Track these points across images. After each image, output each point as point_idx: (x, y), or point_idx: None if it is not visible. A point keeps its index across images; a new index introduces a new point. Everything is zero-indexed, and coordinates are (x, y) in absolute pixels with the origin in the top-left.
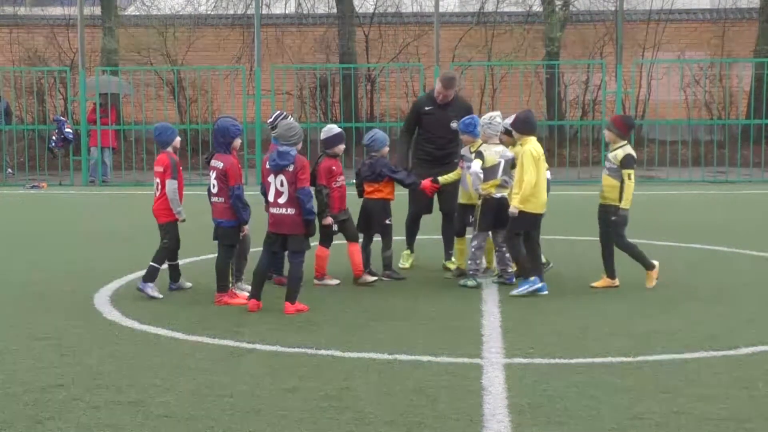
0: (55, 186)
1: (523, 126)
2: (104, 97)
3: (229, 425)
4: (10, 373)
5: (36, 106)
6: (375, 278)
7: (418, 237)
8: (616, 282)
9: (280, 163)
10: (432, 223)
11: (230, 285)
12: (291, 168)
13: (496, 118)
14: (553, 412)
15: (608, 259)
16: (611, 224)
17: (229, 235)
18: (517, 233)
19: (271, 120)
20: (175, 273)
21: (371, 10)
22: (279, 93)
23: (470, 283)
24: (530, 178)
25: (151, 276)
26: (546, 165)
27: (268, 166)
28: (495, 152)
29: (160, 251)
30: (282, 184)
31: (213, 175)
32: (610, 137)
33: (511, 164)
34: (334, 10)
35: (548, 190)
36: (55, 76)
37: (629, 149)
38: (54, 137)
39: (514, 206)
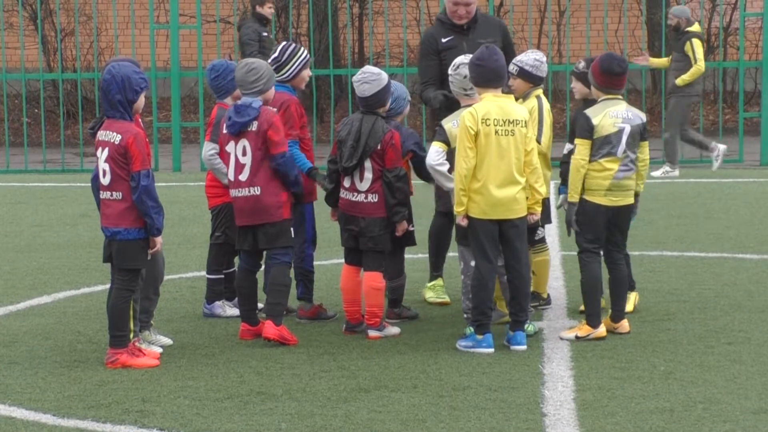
0: None
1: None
2: None
3: None
4: None
5: None
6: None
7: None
8: (624, 327)
9: (238, 121)
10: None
11: (131, 335)
12: (254, 126)
13: (461, 68)
14: None
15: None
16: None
17: (130, 255)
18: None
19: (276, 56)
20: (215, 289)
21: None
22: (208, 21)
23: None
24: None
25: (213, 292)
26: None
27: (225, 131)
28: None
29: (213, 251)
30: (244, 153)
31: (103, 155)
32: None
33: None
34: None
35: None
36: None
37: (600, 109)
38: None
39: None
